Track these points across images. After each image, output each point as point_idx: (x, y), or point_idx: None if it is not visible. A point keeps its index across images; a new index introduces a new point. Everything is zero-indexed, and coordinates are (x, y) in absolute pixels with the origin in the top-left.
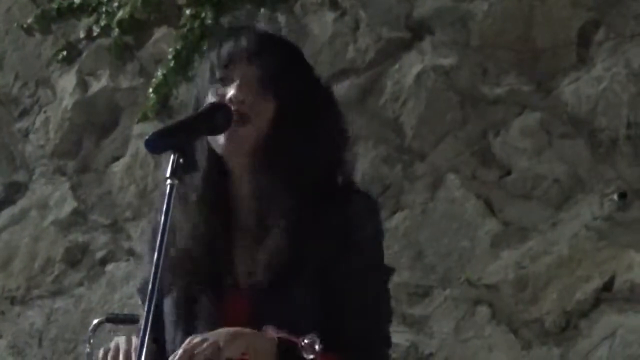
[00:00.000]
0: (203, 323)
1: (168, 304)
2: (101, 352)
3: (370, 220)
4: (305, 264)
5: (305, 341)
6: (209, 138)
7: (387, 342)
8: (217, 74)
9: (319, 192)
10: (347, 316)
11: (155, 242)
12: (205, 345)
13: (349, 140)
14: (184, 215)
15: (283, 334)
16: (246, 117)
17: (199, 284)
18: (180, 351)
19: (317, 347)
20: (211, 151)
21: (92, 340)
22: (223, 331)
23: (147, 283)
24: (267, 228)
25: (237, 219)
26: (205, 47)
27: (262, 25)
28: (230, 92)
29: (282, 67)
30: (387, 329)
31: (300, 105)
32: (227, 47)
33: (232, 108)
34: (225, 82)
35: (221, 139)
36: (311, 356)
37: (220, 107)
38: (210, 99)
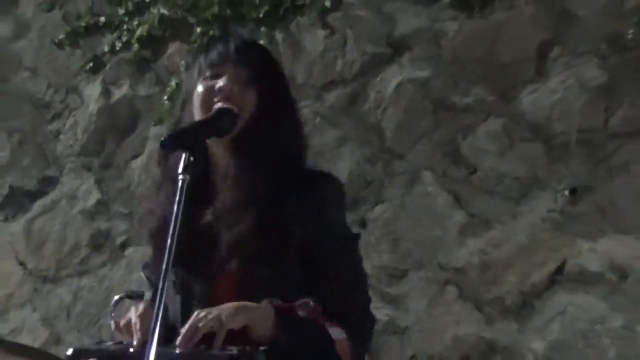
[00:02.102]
0: (197, 299)
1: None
2: (113, 324)
3: (337, 196)
4: (282, 238)
5: (299, 303)
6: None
7: (368, 299)
8: (207, 72)
9: (291, 174)
10: (329, 283)
11: (149, 227)
12: (209, 317)
13: (304, 134)
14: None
15: (278, 303)
16: (234, 112)
17: (190, 261)
18: (187, 324)
19: (311, 304)
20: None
21: (113, 314)
22: (226, 305)
23: (150, 261)
24: (245, 208)
25: (219, 200)
26: None
27: (242, 34)
28: (219, 83)
29: (262, 68)
30: (366, 288)
31: (276, 100)
32: (216, 51)
33: (220, 101)
34: (214, 77)
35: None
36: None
37: (227, 112)
38: (199, 90)
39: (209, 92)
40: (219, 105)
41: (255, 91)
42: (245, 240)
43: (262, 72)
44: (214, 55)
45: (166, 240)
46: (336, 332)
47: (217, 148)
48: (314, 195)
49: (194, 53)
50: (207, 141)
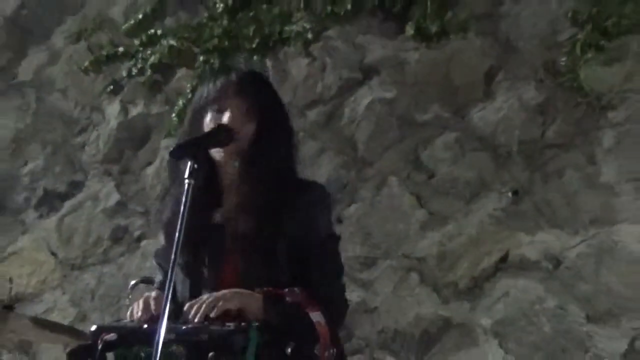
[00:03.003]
0: (204, 283)
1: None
2: (129, 309)
3: (323, 202)
4: (276, 236)
5: (287, 290)
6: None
7: (344, 288)
8: (215, 105)
9: (285, 184)
10: (314, 274)
11: (169, 230)
12: (211, 299)
13: (297, 149)
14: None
15: (269, 290)
16: (232, 131)
17: (200, 251)
18: (193, 304)
19: (297, 291)
20: (210, 158)
21: (130, 296)
22: (224, 291)
23: (160, 250)
24: (247, 211)
25: (232, 203)
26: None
27: (244, 66)
28: (224, 119)
29: (260, 98)
30: (342, 279)
31: (271, 126)
32: (220, 84)
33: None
34: (219, 110)
35: (217, 152)
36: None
37: (224, 128)
38: (207, 120)
39: (214, 120)
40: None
41: (255, 119)
42: (246, 236)
43: (261, 101)
44: (218, 88)
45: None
46: (317, 316)
47: (227, 164)
48: (304, 201)
49: (199, 79)
50: (219, 161)
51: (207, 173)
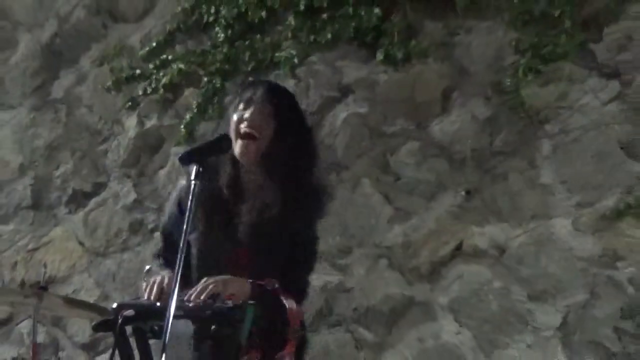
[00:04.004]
0: (214, 268)
1: (194, 254)
2: (144, 285)
3: (322, 209)
4: (277, 232)
5: (267, 280)
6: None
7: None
8: (240, 106)
9: (295, 186)
10: (299, 272)
11: (180, 208)
12: (212, 282)
13: (317, 156)
14: (208, 196)
15: (254, 280)
16: (254, 137)
17: (214, 240)
18: (198, 286)
19: (275, 285)
20: (233, 156)
21: (145, 279)
22: (223, 277)
23: (166, 225)
24: (258, 208)
25: (245, 198)
26: (216, 101)
27: (272, 79)
28: (246, 114)
29: (282, 106)
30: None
31: (289, 133)
32: (249, 91)
33: (246, 127)
34: (244, 110)
35: (238, 149)
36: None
37: (225, 137)
38: (234, 118)
39: (239, 120)
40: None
41: (275, 123)
42: (255, 234)
43: (282, 109)
44: (247, 94)
45: (201, 222)
46: (289, 303)
47: (249, 166)
48: (307, 204)
49: (204, 97)
50: (241, 159)
51: (233, 173)
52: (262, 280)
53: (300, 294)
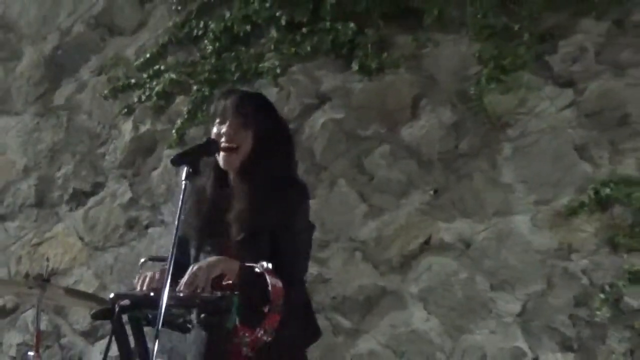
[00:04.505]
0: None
1: (191, 247)
2: (136, 279)
3: (302, 201)
4: (265, 228)
5: (259, 264)
6: (217, 157)
7: (306, 270)
8: (218, 119)
9: (277, 186)
10: (287, 259)
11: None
12: (198, 269)
13: (294, 157)
14: (201, 200)
15: (244, 264)
16: (234, 148)
17: (209, 237)
18: (186, 275)
19: (265, 264)
20: (217, 164)
21: (140, 271)
22: (210, 259)
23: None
24: (245, 207)
25: (231, 202)
26: (204, 107)
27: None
28: (223, 129)
29: (256, 115)
30: (307, 263)
31: (268, 138)
32: (222, 102)
33: (223, 141)
34: (221, 124)
35: (221, 161)
36: (265, 265)
37: (212, 141)
38: (214, 131)
39: (218, 135)
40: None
41: (251, 130)
42: (242, 228)
43: (256, 117)
44: (220, 106)
45: (193, 223)
46: (273, 281)
47: (233, 173)
48: (289, 200)
49: (194, 104)
50: (224, 167)
51: (220, 175)
52: (253, 264)
53: (293, 278)
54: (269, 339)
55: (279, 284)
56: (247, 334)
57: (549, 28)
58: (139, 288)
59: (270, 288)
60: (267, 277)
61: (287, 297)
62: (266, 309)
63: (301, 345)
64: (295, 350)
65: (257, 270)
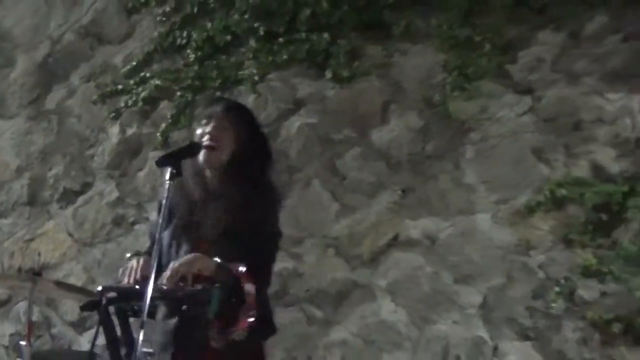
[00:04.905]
0: (183, 255)
1: (166, 242)
2: (120, 270)
3: (275, 206)
4: (238, 229)
5: (234, 264)
6: (198, 157)
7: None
8: (203, 121)
9: (252, 190)
10: (259, 261)
11: (161, 213)
12: (178, 265)
13: (272, 160)
14: (182, 198)
15: (221, 262)
16: (215, 147)
17: (185, 235)
18: (169, 270)
19: (240, 268)
20: (197, 164)
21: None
22: (189, 256)
23: (152, 225)
24: (219, 204)
25: (209, 201)
26: (187, 112)
27: (229, 96)
28: (208, 128)
29: (239, 120)
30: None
31: (248, 145)
32: (210, 108)
33: (207, 140)
34: (206, 124)
35: (202, 158)
36: (241, 269)
37: (195, 144)
38: (198, 132)
39: (202, 134)
40: (192, 140)
41: (233, 134)
42: (218, 227)
43: (238, 121)
44: (208, 110)
45: (173, 221)
46: (248, 287)
47: (212, 174)
48: (262, 203)
49: (177, 109)
50: (204, 166)
51: (201, 176)
52: (230, 263)
53: (262, 282)
54: (241, 338)
55: (253, 290)
56: (220, 330)
57: (509, 40)
58: (125, 280)
59: (245, 294)
60: (243, 283)
61: (259, 301)
62: (241, 313)
63: (260, 339)
64: (255, 343)
65: (233, 271)
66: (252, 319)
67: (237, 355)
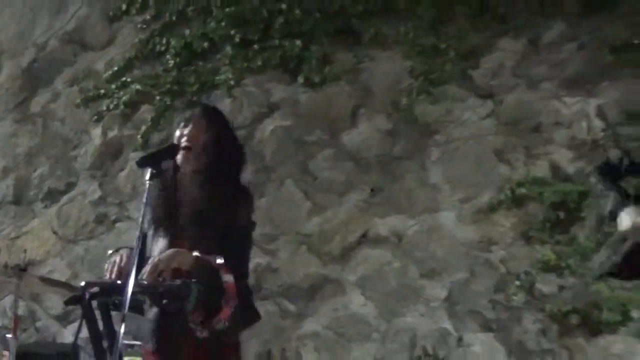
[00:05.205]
0: (163, 250)
1: (149, 237)
2: (106, 265)
3: (246, 201)
4: (213, 220)
5: (213, 257)
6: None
7: (248, 259)
8: (182, 124)
9: (224, 186)
10: (231, 252)
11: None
12: (158, 261)
13: (244, 157)
14: (160, 196)
15: (202, 256)
16: (191, 148)
17: (162, 229)
18: (148, 266)
19: (218, 260)
20: (176, 164)
21: (108, 261)
22: (168, 252)
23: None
24: (195, 201)
25: (183, 195)
26: (166, 115)
27: (205, 100)
28: (185, 131)
29: (213, 123)
30: (247, 257)
31: (222, 146)
32: (188, 111)
33: (184, 141)
34: (184, 127)
35: (179, 158)
36: (219, 261)
37: (174, 145)
38: (177, 134)
39: (180, 136)
40: (172, 142)
41: (208, 136)
42: (193, 222)
43: (214, 127)
44: (187, 114)
45: (152, 215)
46: (227, 277)
47: (188, 172)
48: (233, 200)
49: (157, 112)
50: (180, 164)
51: (178, 175)
52: (208, 256)
53: (240, 272)
54: (224, 327)
55: (232, 279)
56: (202, 320)
57: (472, 47)
58: (109, 275)
59: (224, 285)
60: (221, 274)
61: (238, 290)
62: (222, 302)
63: (241, 327)
64: (236, 331)
65: (212, 264)
66: (232, 309)
67: (217, 343)
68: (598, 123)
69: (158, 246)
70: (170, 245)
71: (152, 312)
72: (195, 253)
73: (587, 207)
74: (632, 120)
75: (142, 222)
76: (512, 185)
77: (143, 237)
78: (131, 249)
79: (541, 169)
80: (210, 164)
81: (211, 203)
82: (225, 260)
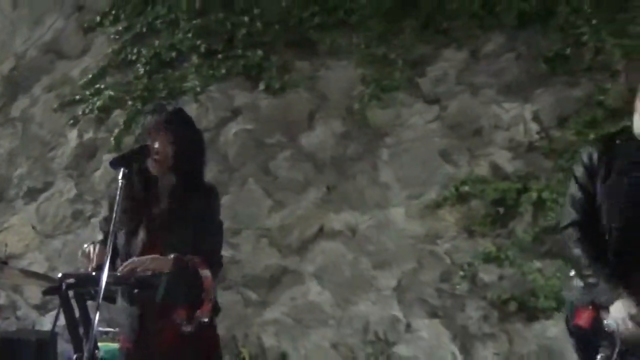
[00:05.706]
0: (137, 248)
1: (120, 236)
2: (80, 252)
3: (214, 199)
4: (184, 220)
5: (188, 257)
6: (147, 162)
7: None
8: (151, 133)
9: (193, 187)
10: (206, 245)
11: (112, 207)
12: (136, 262)
13: (204, 159)
14: (130, 196)
15: (178, 256)
16: (162, 161)
17: (135, 228)
18: (125, 265)
19: (195, 259)
20: (146, 168)
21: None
22: (145, 257)
23: (103, 220)
24: (167, 202)
25: (156, 198)
26: (138, 119)
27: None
28: (156, 145)
29: (178, 129)
30: (221, 249)
31: (188, 148)
32: (153, 119)
33: (155, 155)
34: (154, 140)
35: (150, 165)
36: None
37: (145, 147)
38: (148, 142)
39: (151, 148)
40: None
41: (175, 143)
42: (167, 221)
43: (178, 131)
44: (152, 122)
45: (124, 214)
46: (205, 273)
47: (157, 174)
48: (204, 199)
49: (128, 117)
50: (152, 171)
51: (148, 178)
52: (184, 256)
53: (214, 266)
54: (207, 320)
55: (209, 274)
56: (188, 316)
57: (419, 56)
58: (85, 260)
59: (203, 280)
60: (199, 270)
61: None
62: (203, 296)
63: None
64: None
65: (189, 262)
66: (212, 302)
67: (200, 335)
68: (534, 126)
69: (132, 245)
70: (146, 239)
71: (128, 305)
72: (172, 255)
73: (524, 203)
74: (563, 124)
75: (115, 217)
76: (456, 184)
77: (115, 234)
78: (103, 242)
79: (482, 169)
80: (178, 164)
81: (182, 201)
82: (201, 256)
